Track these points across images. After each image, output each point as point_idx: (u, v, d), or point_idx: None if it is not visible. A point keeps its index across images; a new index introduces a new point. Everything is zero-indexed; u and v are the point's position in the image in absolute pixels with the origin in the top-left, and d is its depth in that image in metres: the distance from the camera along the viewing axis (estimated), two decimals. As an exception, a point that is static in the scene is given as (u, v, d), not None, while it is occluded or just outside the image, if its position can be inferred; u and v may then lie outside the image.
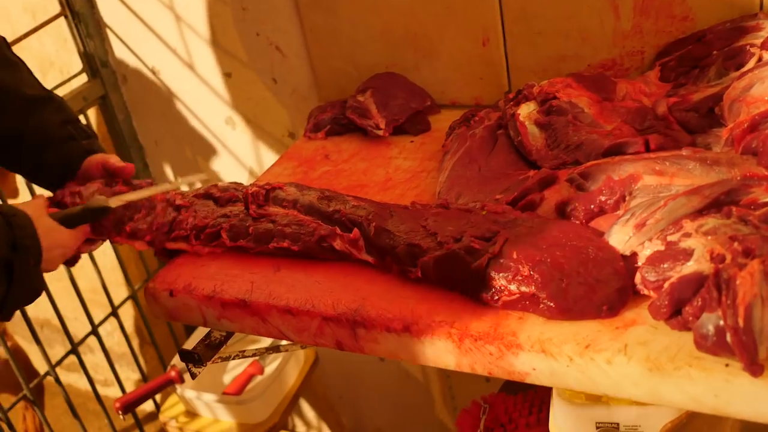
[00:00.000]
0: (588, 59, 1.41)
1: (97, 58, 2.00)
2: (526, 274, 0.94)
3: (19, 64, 1.36)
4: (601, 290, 0.91)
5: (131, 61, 2.01)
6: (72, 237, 1.16)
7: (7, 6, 2.07)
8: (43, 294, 1.90)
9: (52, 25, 1.92)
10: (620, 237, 0.94)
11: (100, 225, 1.21)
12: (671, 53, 1.29)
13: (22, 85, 1.32)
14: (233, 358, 1.29)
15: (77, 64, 2.01)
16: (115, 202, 1.20)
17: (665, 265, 0.88)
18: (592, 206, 1.01)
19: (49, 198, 1.28)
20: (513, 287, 0.94)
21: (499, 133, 1.27)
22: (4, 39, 1.35)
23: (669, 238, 0.89)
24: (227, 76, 1.89)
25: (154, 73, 1.99)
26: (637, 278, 0.92)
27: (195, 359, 1.16)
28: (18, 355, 2.33)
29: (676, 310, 0.86)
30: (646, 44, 1.36)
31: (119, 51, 2.01)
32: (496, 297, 0.95)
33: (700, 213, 0.91)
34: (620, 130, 1.11)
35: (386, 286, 1.06)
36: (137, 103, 2.07)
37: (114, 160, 1.33)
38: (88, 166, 1.32)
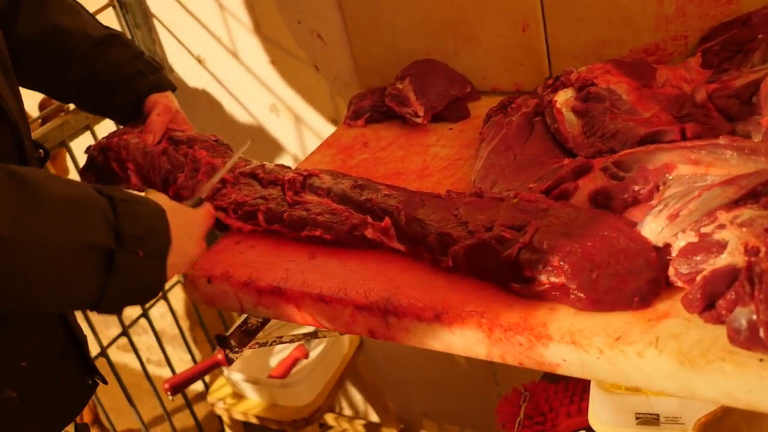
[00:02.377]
0: (630, 44, 1.38)
1: (144, 47, 2.04)
2: (556, 264, 0.93)
3: (78, 6, 1.41)
4: (632, 281, 0.90)
5: (178, 50, 2.04)
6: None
7: (59, -3, 2.11)
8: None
9: (101, 16, 1.96)
10: (653, 228, 0.92)
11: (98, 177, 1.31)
12: (715, 38, 1.26)
13: (86, 27, 1.38)
14: (271, 344, 1.31)
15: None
16: (204, 192, 1.19)
17: (698, 258, 0.86)
18: (626, 196, 0.99)
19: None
20: (543, 277, 0.93)
21: (536, 120, 1.26)
22: None
23: (703, 230, 0.88)
24: (270, 64, 1.90)
25: (199, 62, 2.02)
26: (670, 270, 0.90)
27: (231, 345, 1.18)
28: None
29: (709, 303, 0.84)
30: (689, 28, 1.33)
31: (166, 40, 2.05)
32: (526, 287, 0.95)
33: (735, 204, 0.89)
34: (658, 117, 1.09)
35: (418, 274, 1.06)
36: (184, 92, 2.10)
37: (179, 119, 1.40)
38: (150, 103, 1.38)
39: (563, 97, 1.23)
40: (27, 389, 1.13)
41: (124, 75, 1.37)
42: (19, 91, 1.18)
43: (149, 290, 0.98)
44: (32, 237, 0.84)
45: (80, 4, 1.42)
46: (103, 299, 0.92)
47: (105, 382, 1.30)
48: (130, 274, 0.92)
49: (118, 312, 0.98)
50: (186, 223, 1.03)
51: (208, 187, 1.21)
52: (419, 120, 1.48)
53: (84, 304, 0.94)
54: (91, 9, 1.90)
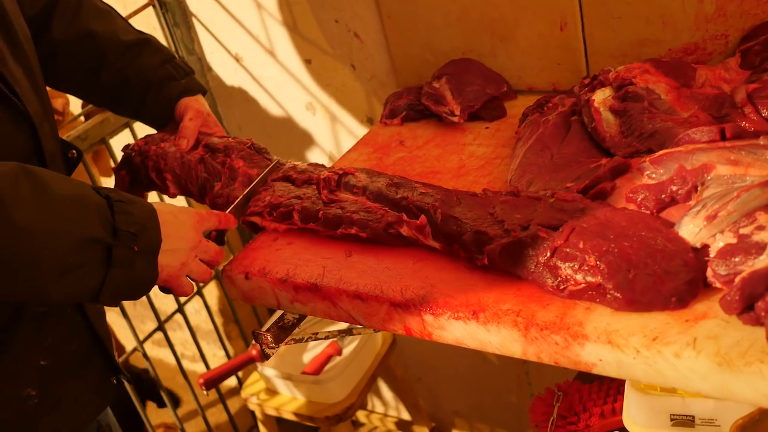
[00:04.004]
0: (669, 43, 1.37)
1: (183, 46, 2.07)
2: (592, 264, 0.93)
3: (111, 12, 1.43)
4: (669, 282, 0.90)
5: (216, 48, 2.06)
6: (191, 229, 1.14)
7: (100, -4, 2.15)
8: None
9: (141, 15, 1.99)
10: (691, 228, 0.92)
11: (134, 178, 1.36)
12: (756, 37, 1.24)
13: (118, 32, 1.40)
14: (306, 340, 1.32)
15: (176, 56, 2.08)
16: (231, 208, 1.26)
17: (737, 259, 0.86)
18: (663, 196, 0.99)
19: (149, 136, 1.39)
20: (579, 277, 0.94)
21: (573, 119, 1.26)
22: None
23: (741, 231, 0.87)
24: (307, 62, 1.92)
25: (237, 60, 2.04)
26: (708, 271, 0.90)
27: (267, 341, 1.20)
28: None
29: (747, 305, 0.84)
30: (730, 27, 1.31)
31: (204, 39, 2.07)
32: (563, 286, 0.95)
33: (775, 205, 0.89)
34: (697, 117, 1.08)
35: (454, 273, 1.07)
36: (221, 90, 2.13)
37: (211, 122, 1.42)
38: (181, 108, 1.40)
39: (601, 97, 1.23)
40: (47, 388, 1.16)
41: (154, 79, 1.39)
42: (45, 93, 1.20)
43: (143, 284, 1.06)
44: (44, 227, 0.94)
45: (114, 10, 1.44)
46: (101, 290, 1.01)
47: (130, 382, 1.33)
48: (126, 267, 1.02)
49: (115, 304, 1.08)
50: (176, 223, 1.10)
51: (238, 202, 1.27)
52: (456, 119, 1.48)
53: (86, 295, 1.01)
54: (132, 8, 1.95)
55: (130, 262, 1.02)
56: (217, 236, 1.20)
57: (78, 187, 1.01)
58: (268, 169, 1.32)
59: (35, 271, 0.95)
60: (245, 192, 1.28)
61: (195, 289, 1.16)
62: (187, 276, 1.13)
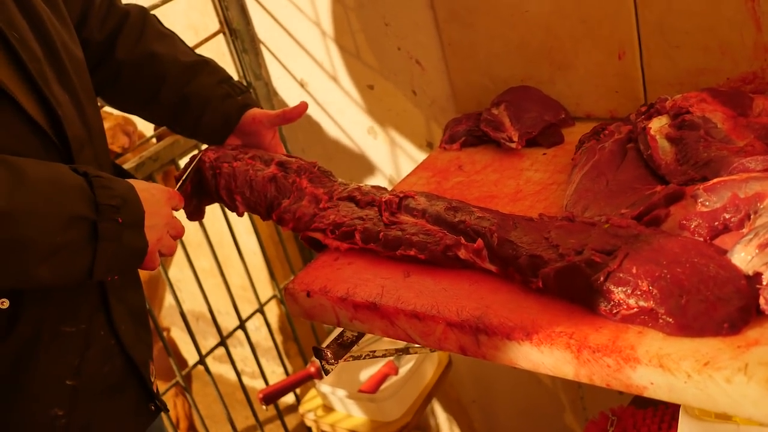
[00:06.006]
0: (727, 73, 1.39)
1: (251, 71, 2.15)
2: (645, 289, 0.95)
3: (173, 36, 1.50)
4: (721, 308, 0.91)
5: (282, 74, 2.14)
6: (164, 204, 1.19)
7: (174, 24, 2.23)
8: (198, 288, 2.07)
9: (212, 41, 2.08)
10: (743, 256, 0.93)
11: (202, 187, 1.42)
12: (815, 67, 1.25)
13: (178, 54, 1.46)
14: (364, 358, 1.36)
15: (233, 77, 2.16)
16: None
17: (789, 287, 0.87)
18: (717, 223, 1.01)
19: (208, 149, 1.44)
20: (632, 301, 0.96)
21: (629, 146, 1.28)
22: (155, 16, 1.50)
23: (794, 259, 0.88)
24: (369, 88, 1.97)
25: (302, 85, 2.11)
26: (761, 299, 0.91)
27: (327, 357, 1.24)
28: (169, 344, 2.51)
29: (799, 332, 0.85)
30: (789, 57, 1.32)
31: (271, 65, 2.14)
32: (615, 310, 0.97)
33: (829, 234, 0.90)
34: (752, 146, 1.10)
35: (509, 295, 1.10)
36: (286, 114, 2.20)
37: (274, 113, 1.46)
38: (245, 121, 1.45)
39: (657, 124, 1.25)
40: (76, 409, 1.17)
41: (212, 97, 1.44)
42: (94, 122, 1.24)
43: (135, 255, 1.10)
44: (26, 210, 0.97)
45: (176, 35, 1.51)
46: (94, 266, 1.05)
47: (166, 410, 1.35)
48: (114, 239, 1.05)
49: (111, 277, 1.10)
50: (153, 200, 1.14)
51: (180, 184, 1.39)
52: (513, 145, 1.51)
53: (78, 274, 1.05)
54: (203, 35, 2.03)
55: (117, 235, 1.06)
56: None
57: (55, 169, 1.05)
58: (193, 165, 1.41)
59: (22, 255, 0.98)
60: (189, 171, 1.39)
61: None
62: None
